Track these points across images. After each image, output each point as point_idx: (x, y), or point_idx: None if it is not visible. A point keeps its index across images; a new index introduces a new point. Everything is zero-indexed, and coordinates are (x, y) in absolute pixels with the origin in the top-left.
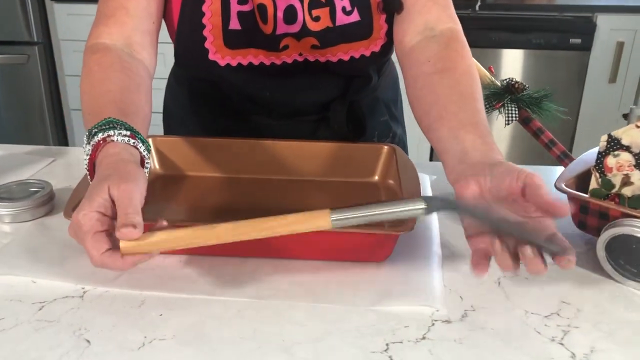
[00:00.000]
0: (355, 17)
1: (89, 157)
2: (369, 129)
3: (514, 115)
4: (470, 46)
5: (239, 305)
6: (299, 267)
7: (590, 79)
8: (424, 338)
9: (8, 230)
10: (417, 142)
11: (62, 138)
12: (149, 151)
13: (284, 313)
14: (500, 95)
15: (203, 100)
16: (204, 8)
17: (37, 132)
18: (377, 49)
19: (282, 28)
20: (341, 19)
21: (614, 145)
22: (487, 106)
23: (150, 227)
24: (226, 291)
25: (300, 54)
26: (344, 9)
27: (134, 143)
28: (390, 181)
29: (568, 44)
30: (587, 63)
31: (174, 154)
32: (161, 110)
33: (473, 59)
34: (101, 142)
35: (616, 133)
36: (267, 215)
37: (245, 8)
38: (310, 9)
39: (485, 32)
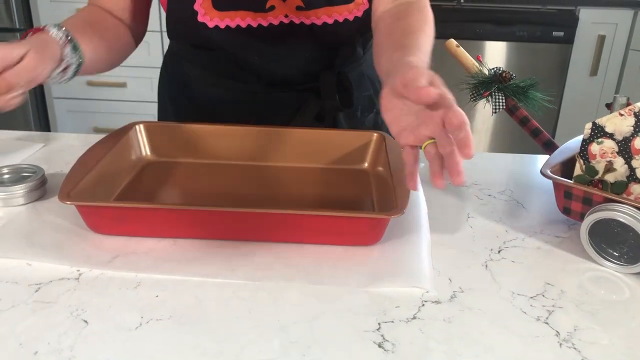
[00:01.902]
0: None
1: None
2: (355, 102)
3: (501, 104)
4: (455, 38)
5: (233, 287)
6: (293, 250)
7: (572, 71)
8: (414, 318)
9: (1, 215)
10: None
11: (44, 126)
12: (75, 50)
13: (279, 294)
14: (488, 84)
15: (194, 70)
16: None
17: (18, 120)
18: (359, 14)
19: None
20: None
21: (598, 132)
22: (475, 95)
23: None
24: (221, 273)
25: (286, 16)
26: None
27: (64, 35)
28: (380, 168)
29: (551, 36)
30: (570, 56)
31: (165, 139)
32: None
33: (454, 42)
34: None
35: (600, 121)
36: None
37: None
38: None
39: (469, 24)
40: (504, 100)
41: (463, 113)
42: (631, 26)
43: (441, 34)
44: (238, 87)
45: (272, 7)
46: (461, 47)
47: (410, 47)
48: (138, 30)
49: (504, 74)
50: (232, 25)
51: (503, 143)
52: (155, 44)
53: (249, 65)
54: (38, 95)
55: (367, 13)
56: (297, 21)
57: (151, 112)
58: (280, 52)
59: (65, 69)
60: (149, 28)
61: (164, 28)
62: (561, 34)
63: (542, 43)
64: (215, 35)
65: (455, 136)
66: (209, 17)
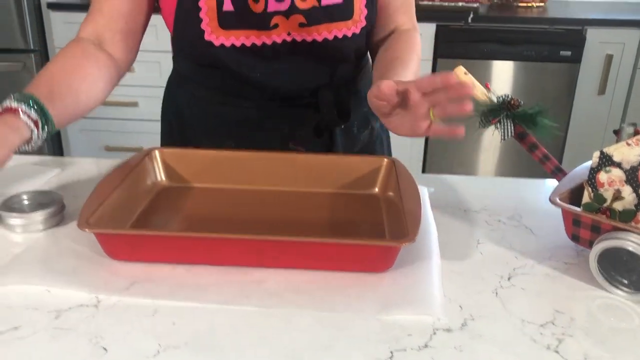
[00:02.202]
0: None
1: None
2: (351, 118)
3: (510, 131)
4: (463, 57)
5: (247, 314)
6: (304, 277)
7: (580, 90)
8: (426, 346)
9: (20, 241)
10: (407, 158)
11: (57, 145)
12: (46, 128)
13: (292, 321)
14: (496, 112)
15: (198, 89)
16: None
17: None
18: (357, 30)
19: (272, 6)
20: (325, 0)
21: (606, 161)
22: (484, 122)
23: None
24: (234, 300)
25: (289, 33)
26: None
27: (27, 112)
28: (390, 193)
29: (558, 56)
30: (577, 75)
31: (179, 165)
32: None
33: (462, 69)
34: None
35: (608, 150)
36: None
37: None
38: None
39: (477, 44)
40: (512, 127)
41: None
42: (638, 45)
43: (450, 53)
44: (241, 102)
45: (276, 25)
46: (469, 74)
47: (392, 77)
48: (127, 57)
49: (512, 102)
50: (237, 43)
51: (511, 165)
52: (166, 64)
53: (252, 82)
54: None
55: (365, 31)
56: (299, 38)
57: (159, 130)
58: (282, 69)
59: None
60: (161, 48)
61: None
62: (568, 53)
63: (549, 62)
64: (221, 53)
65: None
66: (215, 35)
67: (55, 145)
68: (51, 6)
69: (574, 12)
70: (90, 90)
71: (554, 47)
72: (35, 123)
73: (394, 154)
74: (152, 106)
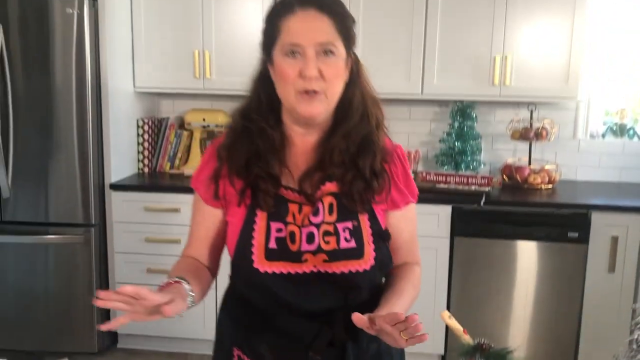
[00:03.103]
0: (352, 244)
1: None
2: (360, 334)
3: None
4: (477, 236)
5: None
6: None
7: (590, 268)
8: None
9: None
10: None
11: (105, 314)
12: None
13: None
14: (472, 353)
15: (243, 302)
16: (254, 234)
17: (79, 307)
18: (367, 267)
19: (304, 247)
20: (343, 244)
21: None
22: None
23: None
24: None
25: (315, 266)
26: (345, 238)
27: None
28: None
29: (567, 237)
30: (586, 254)
31: None
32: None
33: (447, 313)
34: (167, 283)
35: None
36: None
37: (281, 235)
38: (323, 236)
39: (489, 225)
40: None
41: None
42: None
43: (465, 232)
44: (274, 315)
45: (306, 260)
46: (453, 319)
47: (386, 302)
48: (215, 266)
49: (483, 346)
50: (277, 271)
51: None
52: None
53: (284, 301)
54: (103, 282)
55: (373, 268)
56: (322, 270)
57: None
58: (308, 292)
59: None
60: None
61: None
62: (576, 234)
63: (558, 242)
64: (264, 277)
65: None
66: (261, 265)
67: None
68: (113, 187)
69: (581, 193)
70: (205, 279)
71: (561, 229)
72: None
73: None
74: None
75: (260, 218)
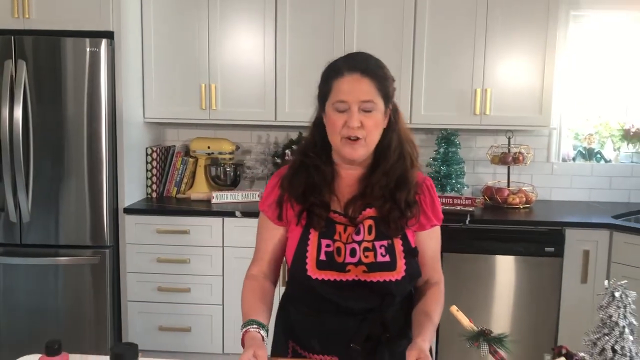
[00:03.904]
0: (387, 258)
1: (241, 339)
2: (392, 331)
3: (486, 349)
4: (463, 252)
5: None
6: None
7: (565, 280)
8: None
9: None
10: None
11: (117, 327)
12: (267, 332)
13: None
14: (477, 337)
15: (298, 303)
16: (308, 248)
17: (89, 322)
18: (399, 277)
19: (348, 259)
20: (379, 258)
21: None
22: (469, 345)
23: None
24: None
25: (356, 275)
26: (381, 254)
27: (258, 330)
28: None
29: (544, 251)
30: (562, 267)
31: None
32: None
33: (455, 308)
34: (245, 331)
35: None
36: None
37: (329, 249)
38: (364, 251)
39: (473, 241)
40: (487, 348)
41: None
42: (609, 243)
43: (452, 249)
44: (323, 315)
45: (349, 270)
46: (460, 312)
47: (421, 327)
48: (275, 279)
49: (486, 331)
50: (326, 278)
51: None
52: (216, 257)
53: (331, 303)
54: (115, 301)
55: (404, 278)
56: (362, 279)
57: (208, 312)
58: (351, 296)
59: None
60: (212, 244)
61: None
62: (552, 249)
63: (536, 257)
64: (315, 283)
65: None
66: (313, 273)
67: (115, 323)
68: (126, 211)
69: (555, 212)
70: (270, 299)
71: (539, 244)
72: (258, 328)
73: None
74: (202, 292)
75: (313, 235)
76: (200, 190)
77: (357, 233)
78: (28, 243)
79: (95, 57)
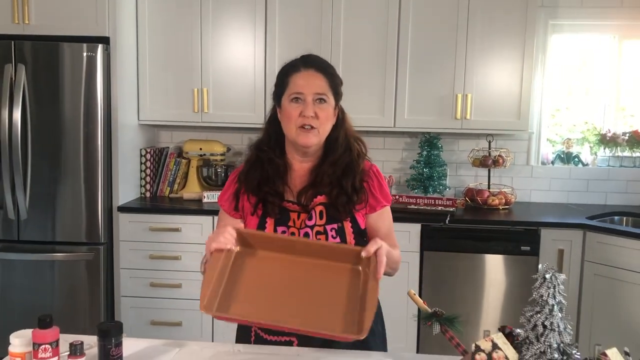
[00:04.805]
0: (337, 240)
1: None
2: None
3: (438, 328)
4: (442, 251)
5: None
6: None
7: None
8: None
9: None
10: (404, 337)
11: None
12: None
13: None
14: (430, 317)
15: None
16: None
17: (83, 316)
18: None
19: None
20: (331, 240)
21: (477, 349)
22: (423, 324)
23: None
24: None
25: None
26: (332, 235)
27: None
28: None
29: (520, 250)
30: (537, 265)
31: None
32: None
33: (412, 291)
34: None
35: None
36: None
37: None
38: (316, 234)
39: (453, 241)
40: (439, 327)
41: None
42: (582, 242)
43: (433, 247)
44: None
45: None
46: (416, 295)
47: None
48: None
49: (438, 312)
50: None
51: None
52: None
53: None
54: (109, 295)
55: None
56: None
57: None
58: None
59: None
60: (203, 241)
61: None
62: (528, 248)
63: (513, 255)
64: None
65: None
66: None
67: (109, 317)
68: (121, 209)
69: (533, 213)
70: None
71: (516, 244)
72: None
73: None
74: (192, 287)
75: (270, 223)
76: (192, 190)
77: (310, 219)
78: (25, 239)
79: (91, 61)
